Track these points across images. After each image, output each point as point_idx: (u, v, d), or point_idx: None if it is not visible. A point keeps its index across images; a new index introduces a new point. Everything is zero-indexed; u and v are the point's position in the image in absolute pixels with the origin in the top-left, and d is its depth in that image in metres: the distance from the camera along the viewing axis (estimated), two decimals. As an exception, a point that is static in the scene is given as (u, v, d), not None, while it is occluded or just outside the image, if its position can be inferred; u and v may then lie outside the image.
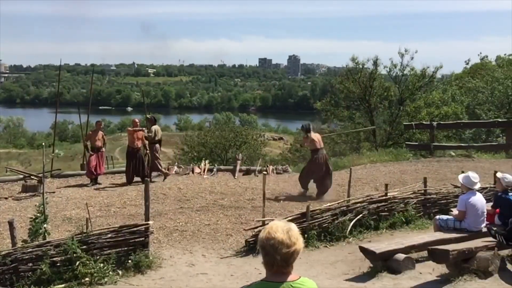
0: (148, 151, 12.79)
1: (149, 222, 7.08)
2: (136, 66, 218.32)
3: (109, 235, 6.72)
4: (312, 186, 10.95)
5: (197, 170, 13.77)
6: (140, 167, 12.41)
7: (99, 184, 12.49)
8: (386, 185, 9.08)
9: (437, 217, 7.19)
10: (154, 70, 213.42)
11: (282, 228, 2.46)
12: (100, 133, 12.77)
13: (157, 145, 12.85)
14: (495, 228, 6.50)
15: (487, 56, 31.97)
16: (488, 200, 7.43)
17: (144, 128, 12.98)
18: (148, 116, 13.58)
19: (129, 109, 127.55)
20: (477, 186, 6.84)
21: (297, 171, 14.24)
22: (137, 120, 13.07)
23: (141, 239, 6.94)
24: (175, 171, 13.70)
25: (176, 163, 16.31)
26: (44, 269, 6.07)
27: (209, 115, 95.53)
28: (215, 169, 13.85)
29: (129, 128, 12.98)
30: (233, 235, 8.31)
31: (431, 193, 9.21)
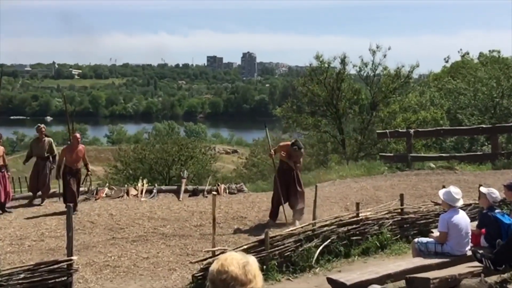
0: (90, 173, 12.83)
1: (72, 258, 6.91)
2: (56, 66, 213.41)
3: (22, 275, 6.52)
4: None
5: (133, 191, 13.56)
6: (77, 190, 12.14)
7: (9, 212, 12.05)
8: (358, 204, 9.25)
9: (416, 240, 7.38)
10: (80, 71, 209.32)
11: (238, 262, 2.44)
12: (0, 149, 12.37)
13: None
14: (481, 251, 6.73)
15: (468, 53, 33.39)
16: (472, 219, 7.71)
17: None
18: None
19: (49, 118, 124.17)
20: (460, 203, 7.07)
21: (254, 190, 14.29)
22: (78, 136, 12.77)
23: (62, 278, 6.76)
24: (105, 194, 13.44)
25: (107, 184, 16.01)
26: None
27: (148, 125, 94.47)
28: (155, 190, 13.69)
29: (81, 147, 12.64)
30: (177, 270, 8.21)
31: (408, 212, 9.45)
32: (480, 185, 8.32)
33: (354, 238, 8.71)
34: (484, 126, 18.76)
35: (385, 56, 25.53)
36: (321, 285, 7.26)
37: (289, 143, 10.98)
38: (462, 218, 6.99)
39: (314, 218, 9.05)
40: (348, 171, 16.08)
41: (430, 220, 9.30)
